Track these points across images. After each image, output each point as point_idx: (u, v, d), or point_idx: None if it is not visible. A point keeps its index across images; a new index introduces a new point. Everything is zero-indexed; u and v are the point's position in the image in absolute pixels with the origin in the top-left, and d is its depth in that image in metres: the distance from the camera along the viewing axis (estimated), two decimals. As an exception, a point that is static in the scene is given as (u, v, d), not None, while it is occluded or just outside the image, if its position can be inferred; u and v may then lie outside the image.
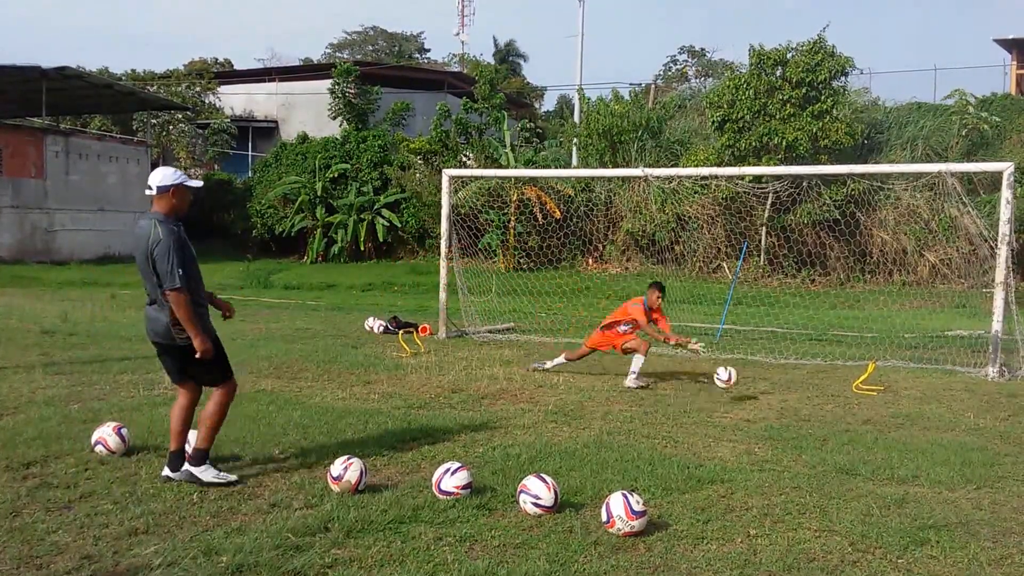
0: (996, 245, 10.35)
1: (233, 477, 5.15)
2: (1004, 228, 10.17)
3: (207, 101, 40.42)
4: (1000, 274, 10.17)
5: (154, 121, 36.34)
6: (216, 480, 5.04)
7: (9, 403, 7.22)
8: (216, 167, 39.18)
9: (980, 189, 22.13)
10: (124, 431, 5.74)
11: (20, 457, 5.52)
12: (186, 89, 39.19)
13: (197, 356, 4.99)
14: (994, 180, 20.22)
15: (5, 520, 4.43)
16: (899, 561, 4.22)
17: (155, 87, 38.07)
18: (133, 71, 40.86)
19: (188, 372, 5.18)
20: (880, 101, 28.03)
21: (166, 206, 5.06)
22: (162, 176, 5.05)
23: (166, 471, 5.15)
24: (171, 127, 37.27)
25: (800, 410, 7.99)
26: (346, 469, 5.01)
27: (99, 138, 32.38)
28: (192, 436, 5.21)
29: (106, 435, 5.65)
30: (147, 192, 5.07)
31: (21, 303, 16.46)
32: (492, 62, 46.73)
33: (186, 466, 5.09)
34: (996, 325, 10.12)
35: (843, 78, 23.86)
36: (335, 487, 4.99)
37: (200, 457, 5.10)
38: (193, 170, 38.60)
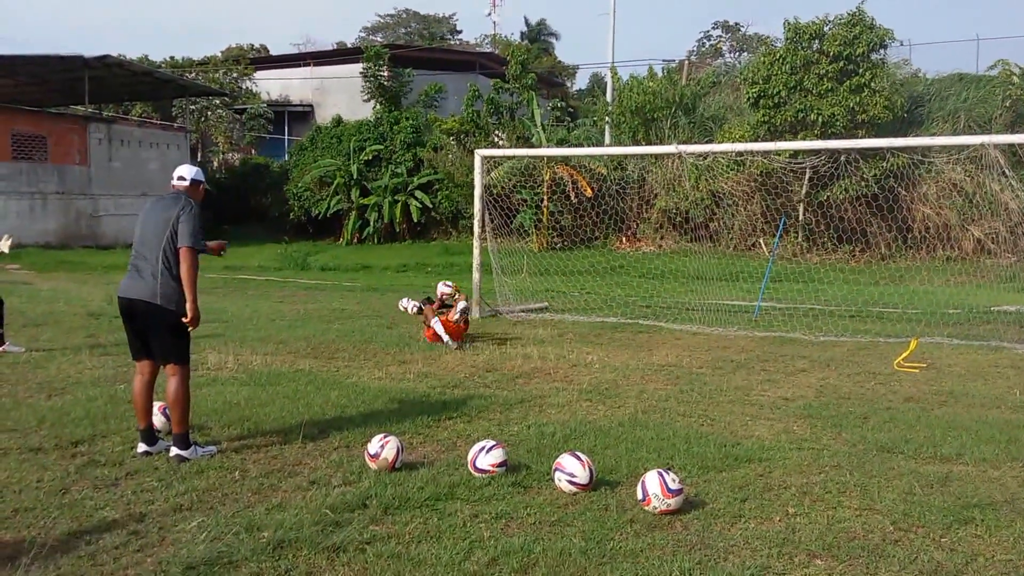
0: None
1: (213, 448, 5.41)
2: (1052, 201, 9.90)
3: (244, 87, 40.83)
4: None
5: (193, 107, 36.80)
6: (202, 455, 5.28)
7: (57, 384, 7.41)
8: (253, 151, 39.64)
9: (1027, 161, 21.50)
10: (168, 411, 5.85)
11: (68, 436, 5.67)
12: (223, 75, 39.61)
13: (186, 320, 5.19)
14: (1041, 152, 19.65)
15: (55, 497, 4.55)
16: (942, 540, 4.15)
17: (193, 74, 38.53)
18: (172, 59, 41.36)
19: (151, 344, 5.34)
20: (921, 73, 27.33)
21: (193, 195, 5.50)
22: (196, 171, 5.59)
23: (142, 447, 5.35)
24: (209, 113, 37.75)
25: (840, 388, 7.88)
26: (383, 447, 5.06)
27: (140, 125, 32.89)
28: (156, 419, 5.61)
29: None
30: (180, 182, 5.48)
31: (68, 287, 16.84)
32: (523, 42, 46.42)
33: (174, 450, 5.24)
34: (1044, 300, 9.88)
35: (882, 51, 23.27)
36: (372, 465, 5.05)
37: (184, 439, 5.27)
38: (231, 155, 39.13)
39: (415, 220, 29.74)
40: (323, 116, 38.22)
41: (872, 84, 22.45)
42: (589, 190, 24.26)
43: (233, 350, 9.17)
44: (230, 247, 6.42)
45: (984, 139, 11.16)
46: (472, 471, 4.97)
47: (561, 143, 27.24)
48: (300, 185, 31.51)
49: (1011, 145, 13.27)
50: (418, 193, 29.69)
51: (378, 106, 32.37)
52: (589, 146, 26.68)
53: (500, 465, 4.97)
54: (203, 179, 5.59)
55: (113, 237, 28.93)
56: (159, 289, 5.18)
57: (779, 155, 16.80)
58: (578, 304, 14.70)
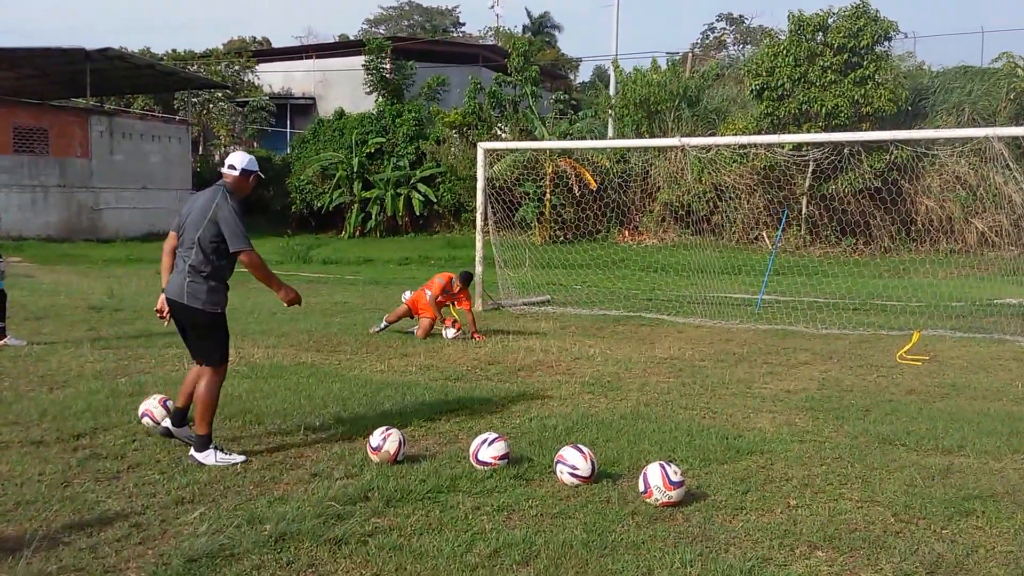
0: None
1: (239, 458, 5.08)
2: (1056, 193, 9.88)
3: (246, 79, 40.79)
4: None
5: (195, 100, 36.75)
6: (220, 463, 4.98)
7: (59, 377, 7.41)
8: (255, 144, 39.60)
9: (1031, 153, 21.42)
10: (170, 403, 5.84)
11: (70, 429, 5.67)
12: (225, 68, 39.58)
13: (286, 306, 5.49)
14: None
15: (57, 490, 4.55)
16: (943, 532, 4.15)
17: (195, 67, 38.50)
18: (174, 51, 41.31)
19: (188, 340, 5.29)
20: (925, 66, 27.27)
21: (238, 187, 5.25)
22: (248, 160, 5.27)
23: (167, 422, 5.38)
24: (211, 105, 37.68)
25: (842, 380, 7.88)
26: (385, 440, 5.06)
27: (142, 117, 32.87)
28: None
29: (152, 407, 5.77)
30: (229, 171, 5.22)
31: (69, 280, 16.86)
32: (526, 34, 46.30)
33: (191, 452, 5.09)
34: (1047, 293, 9.86)
35: (886, 43, 23.23)
36: (374, 457, 5.05)
37: (203, 443, 5.07)
38: (233, 148, 39.11)
39: (417, 213, 29.72)
40: (325, 109, 38.17)
41: (876, 76, 22.40)
42: (593, 183, 24.22)
43: (235, 343, 9.10)
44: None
45: (988, 132, 11.13)
46: (474, 464, 4.97)
47: (564, 136, 27.21)
48: (302, 178, 31.50)
49: (1015, 138, 13.25)
50: (420, 186, 29.67)
51: (380, 99, 32.32)
52: (592, 139, 26.65)
53: (502, 458, 4.97)
54: (255, 169, 5.25)
55: (114, 230, 28.93)
56: (186, 288, 5.10)
57: (782, 148, 16.77)
58: (580, 297, 14.69)
